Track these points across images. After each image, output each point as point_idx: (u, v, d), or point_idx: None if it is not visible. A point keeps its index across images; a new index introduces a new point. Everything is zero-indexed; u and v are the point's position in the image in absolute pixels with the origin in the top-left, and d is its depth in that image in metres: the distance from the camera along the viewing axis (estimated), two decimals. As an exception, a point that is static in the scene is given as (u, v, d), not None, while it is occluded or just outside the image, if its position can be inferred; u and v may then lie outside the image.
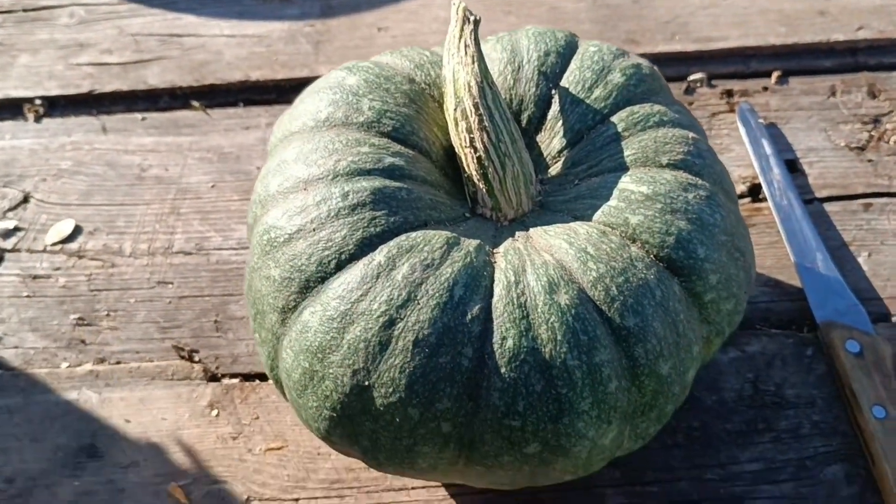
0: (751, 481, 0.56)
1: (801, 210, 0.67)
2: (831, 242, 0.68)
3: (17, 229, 0.72)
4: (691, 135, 0.51)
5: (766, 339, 0.62)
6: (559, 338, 0.42)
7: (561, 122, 0.51)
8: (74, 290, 0.68)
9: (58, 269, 0.69)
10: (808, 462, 0.57)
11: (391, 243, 0.44)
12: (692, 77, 0.79)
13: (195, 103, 0.80)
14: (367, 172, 0.46)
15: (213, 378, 0.63)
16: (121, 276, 0.69)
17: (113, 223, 0.72)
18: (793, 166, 0.73)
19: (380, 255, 0.44)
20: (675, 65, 0.80)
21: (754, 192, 0.71)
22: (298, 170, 0.48)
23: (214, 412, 0.61)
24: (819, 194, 0.71)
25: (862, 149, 0.73)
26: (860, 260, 0.67)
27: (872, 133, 0.74)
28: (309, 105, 0.51)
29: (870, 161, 0.73)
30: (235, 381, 0.63)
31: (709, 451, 0.57)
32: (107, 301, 0.67)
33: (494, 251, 0.46)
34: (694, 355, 0.47)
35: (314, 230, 0.45)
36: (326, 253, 0.45)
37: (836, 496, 0.55)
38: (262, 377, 0.63)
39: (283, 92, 0.81)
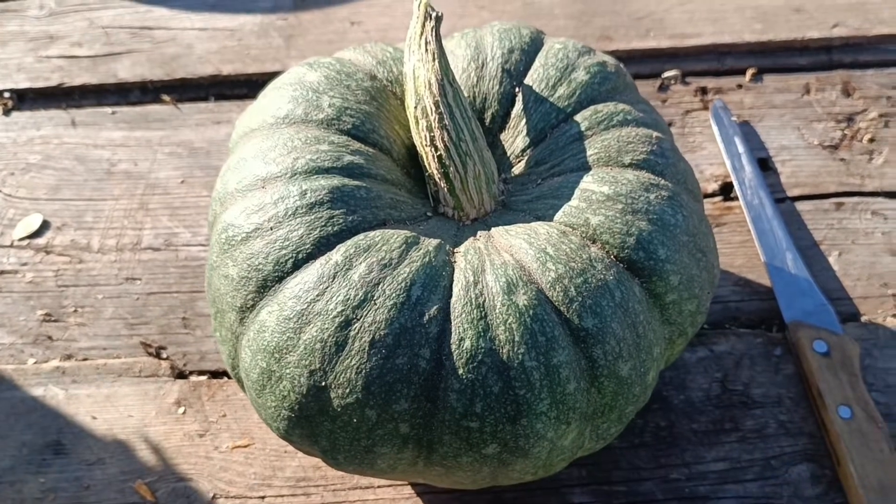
0: (716, 481, 0.56)
1: (772, 209, 0.67)
2: (802, 242, 0.67)
3: (-17, 224, 0.71)
4: (655, 134, 0.50)
5: (734, 339, 0.62)
6: (517, 339, 0.42)
7: (524, 120, 0.51)
8: (42, 285, 0.67)
9: (25, 264, 0.69)
10: (774, 462, 0.57)
11: (348, 242, 0.44)
12: (666, 74, 0.79)
13: (166, 97, 0.80)
14: (326, 171, 0.46)
15: (181, 375, 0.63)
16: (88, 271, 0.68)
17: (81, 218, 0.71)
18: (765, 165, 0.72)
19: (337, 255, 0.43)
20: (649, 61, 0.80)
21: (726, 190, 0.71)
22: (257, 167, 0.47)
23: (181, 409, 0.61)
24: (791, 193, 0.71)
25: (835, 147, 0.73)
26: (831, 259, 0.67)
27: (846, 132, 0.74)
28: (269, 101, 0.50)
29: (842, 160, 0.72)
30: (203, 378, 0.62)
31: (675, 451, 0.57)
32: (74, 297, 0.67)
33: (455, 251, 0.46)
34: (655, 356, 0.46)
35: (271, 229, 0.45)
36: (283, 252, 0.44)
37: (801, 496, 0.55)
38: (230, 374, 0.62)
39: (254, 86, 0.80)
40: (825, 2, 0.83)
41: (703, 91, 0.78)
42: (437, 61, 0.47)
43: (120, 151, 0.76)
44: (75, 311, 0.66)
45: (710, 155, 0.73)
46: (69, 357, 0.64)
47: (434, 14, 0.49)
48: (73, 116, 0.79)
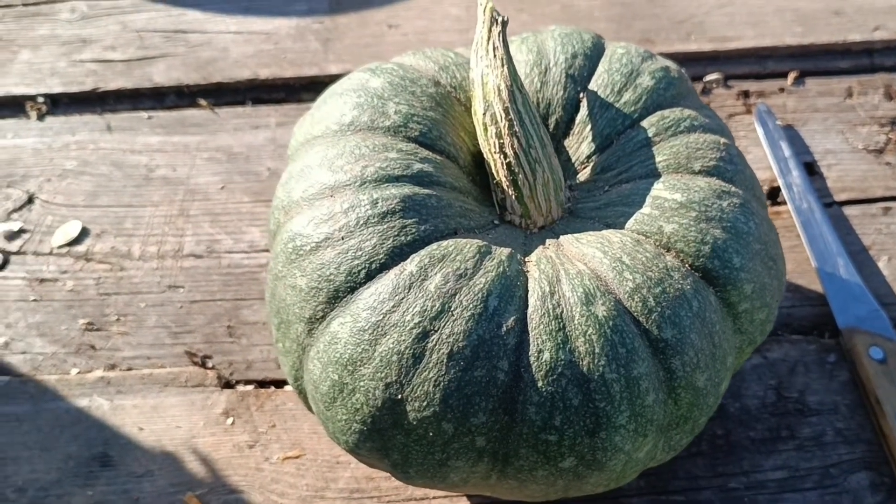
0: (775, 490, 0.56)
1: (821, 214, 0.67)
2: (851, 246, 0.67)
3: (22, 231, 0.70)
4: (722, 140, 0.50)
5: (787, 346, 0.62)
6: (597, 350, 0.41)
7: (590, 126, 0.50)
8: (83, 293, 0.67)
9: (65, 272, 0.68)
10: (833, 470, 0.56)
11: (422, 252, 0.43)
12: (708, 77, 0.78)
13: (202, 102, 0.79)
14: (396, 179, 0.45)
15: (228, 385, 0.62)
16: (130, 279, 0.67)
17: (121, 225, 0.70)
18: (811, 169, 0.72)
19: (411, 265, 0.43)
20: (691, 65, 0.79)
21: (773, 195, 0.70)
22: (324, 175, 0.46)
23: (230, 420, 0.60)
24: (838, 197, 0.70)
25: (880, 151, 0.73)
26: (880, 264, 0.66)
27: (890, 135, 0.74)
28: (332, 108, 0.49)
29: (888, 164, 0.72)
30: (250, 387, 0.62)
31: (732, 460, 0.57)
32: (116, 305, 0.66)
33: (526, 260, 0.45)
34: (728, 366, 0.46)
35: (343, 238, 0.44)
36: (356, 262, 0.43)
37: (861, 504, 0.55)
38: (278, 384, 0.62)
39: (292, 91, 0.79)
40: (865, 5, 0.83)
41: (746, 94, 0.77)
42: (505, 67, 0.47)
43: (157, 157, 0.75)
44: (118, 319, 0.65)
45: (756, 159, 0.73)
46: (113, 367, 0.63)
47: (500, 18, 0.48)
48: (109, 121, 0.78)
